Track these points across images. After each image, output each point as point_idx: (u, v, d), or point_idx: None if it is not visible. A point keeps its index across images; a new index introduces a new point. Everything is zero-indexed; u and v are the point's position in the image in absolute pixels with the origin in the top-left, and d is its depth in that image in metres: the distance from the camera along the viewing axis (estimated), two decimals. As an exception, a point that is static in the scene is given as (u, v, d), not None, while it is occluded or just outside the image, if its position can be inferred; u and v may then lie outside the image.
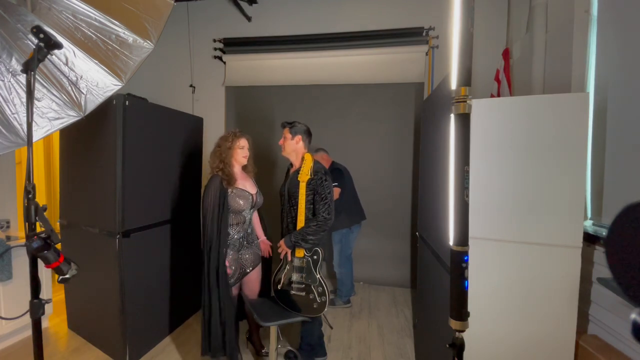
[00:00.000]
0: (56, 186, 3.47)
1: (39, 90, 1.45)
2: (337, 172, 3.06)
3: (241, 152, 2.03)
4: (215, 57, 4.03)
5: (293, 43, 3.79)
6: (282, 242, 1.97)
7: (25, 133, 1.12)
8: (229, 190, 1.97)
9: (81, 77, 1.50)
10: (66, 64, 1.48)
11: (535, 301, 1.61)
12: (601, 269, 1.71)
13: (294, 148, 2.05)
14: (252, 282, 2.15)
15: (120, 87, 1.54)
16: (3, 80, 1.42)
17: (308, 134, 2.08)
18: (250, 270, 2.08)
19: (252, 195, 2.05)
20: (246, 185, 2.07)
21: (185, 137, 2.71)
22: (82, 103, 1.52)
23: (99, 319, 2.32)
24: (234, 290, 2.04)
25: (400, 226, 3.67)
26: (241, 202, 1.99)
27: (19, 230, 2.64)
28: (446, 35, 3.43)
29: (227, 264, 1.94)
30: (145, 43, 1.51)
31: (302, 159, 1.99)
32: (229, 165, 1.99)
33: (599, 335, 1.70)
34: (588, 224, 1.89)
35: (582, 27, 2.07)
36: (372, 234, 3.66)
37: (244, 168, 2.11)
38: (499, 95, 2.94)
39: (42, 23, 1.37)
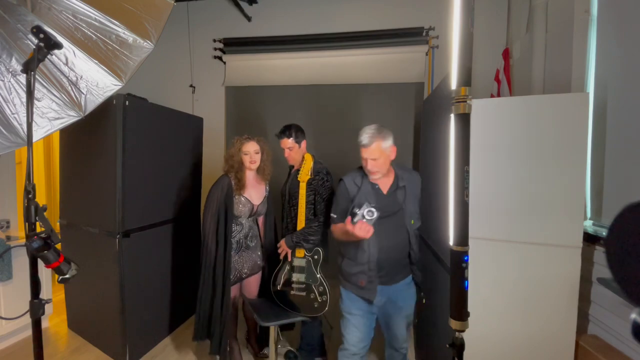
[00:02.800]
0: (56, 186, 3.47)
1: (39, 90, 1.46)
2: None
3: (246, 158, 1.99)
4: (215, 57, 4.03)
5: (293, 43, 3.78)
6: (282, 242, 1.97)
7: (25, 133, 1.12)
8: (235, 194, 1.97)
9: (81, 77, 1.50)
10: (66, 64, 1.48)
11: (535, 301, 1.61)
12: (601, 269, 1.71)
13: (302, 155, 2.02)
14: (251, 286, 2.15)
15: (120, 87, 1.54)
16: (3, 80, 1.42)
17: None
18: (246, 276, 2.07)
19: (254, 206, 2.04)
20: (252, 194, 2.05)
21: (185, 137, 2.71)
22: (82, 103, 1.52)
23: (99, 319, 2.32)
24: (232, 291, 2.04)
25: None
26: (240, 208, 2.00)
27: (19, 230, 2.63)
28: (446, 35, 3.42)
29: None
30: (145, 43, 1.51)
31: (302, 159, 1.99)
32: (241, 170, 1.99)
33: (599, 335, 1.70)
34: (588, 224, 1.89)
35: (582, 27, 2.07)
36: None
37: (259, 172, 2.08)
38: (499, 95, 2.93)
39: (42, 23, 1.36)
